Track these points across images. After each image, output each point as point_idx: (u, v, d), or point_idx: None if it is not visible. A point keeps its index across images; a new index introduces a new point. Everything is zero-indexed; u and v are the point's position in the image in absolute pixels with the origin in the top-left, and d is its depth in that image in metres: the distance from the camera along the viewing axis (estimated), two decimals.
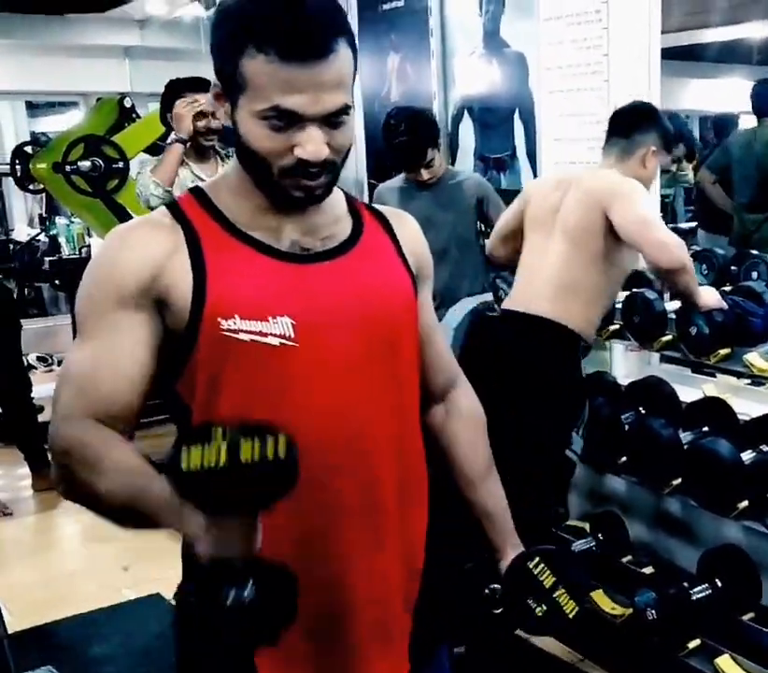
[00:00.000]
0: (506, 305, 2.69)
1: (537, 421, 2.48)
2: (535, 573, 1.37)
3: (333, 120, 1.13)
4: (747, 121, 5.26)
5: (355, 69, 1.16)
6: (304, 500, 1.17)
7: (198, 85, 3.38)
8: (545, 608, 1.36)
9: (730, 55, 7.71)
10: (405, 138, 3.34)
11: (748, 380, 2.88)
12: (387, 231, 1.33)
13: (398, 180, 3.57)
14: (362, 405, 1.23)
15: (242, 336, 1.16)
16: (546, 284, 2.54)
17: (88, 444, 1.13)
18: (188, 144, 3.36)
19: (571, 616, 1.37)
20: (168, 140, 3.41)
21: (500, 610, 1.43)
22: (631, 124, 2.59)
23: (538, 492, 2.52)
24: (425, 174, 3.40)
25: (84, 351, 1.19)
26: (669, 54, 3.00)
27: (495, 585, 1.43)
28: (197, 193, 1.27)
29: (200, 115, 3.38)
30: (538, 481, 2.50)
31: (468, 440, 1.46)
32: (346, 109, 1.14)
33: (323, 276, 1.23)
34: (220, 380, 1.18)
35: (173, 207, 1.25)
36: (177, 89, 3.44)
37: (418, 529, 1.36)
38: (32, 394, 4.46)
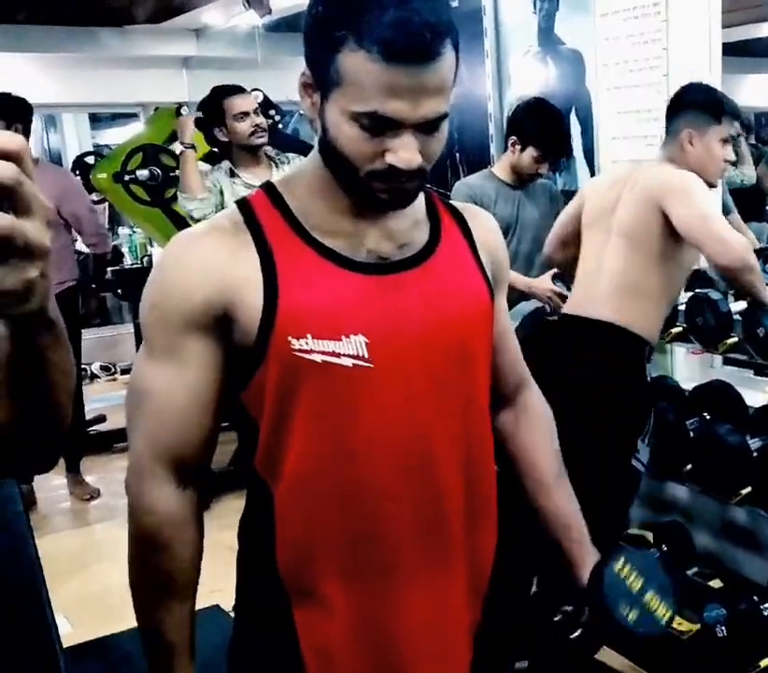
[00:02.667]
0: (567, 309, 2.61)
1: (602, 429, 2.40)
2: (622, 577, 1.26)
3: (429, 126, 1.06)
4: None
5: (457, 70, 1.07)
6: (363, 529, 1.16)
7: (235, 90, 3.42)
8: (636, 613, 1.24)
9: None
10: (565, 126, 3.20)
11: None
12: (464, 233, 1.27)
13: (481, 178, 3.32)
14: (434, 430, 1.18)
15: (314, 356, 1.10)
16: (606, 287, 2.46)
17: (161, 527, 1.17)
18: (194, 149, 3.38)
19: (664, 622, 1.25)
20: (177, 150, 3.44)
21: (579, 629, 1.34)
22: (668, 112, 2.50)
23: (604, 504, 2.44)
24: (543, 169, 3.21)
25: (155, 372, 1.15)
26: (724, 50, 2.87)
27: (568, 607, 1.35)
28: (270, 190, 1.19)
29: (242, 115, 3.37)
30: (604, 493, 2.42)
31: (539, 444, 1.40)
32: (444, 117, 1.07)
33: (399, 288, 1.16)
34: (290, 401, 1.13)
35: (243, 205, 1.18)
36: (213, 103, 3.47)
37: (487, 549, 1.30)
38: (84, 403, 4.49)
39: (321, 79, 1.06)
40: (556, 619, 1.39)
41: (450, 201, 1.31)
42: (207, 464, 1.21)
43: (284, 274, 1.11)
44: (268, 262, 1.11)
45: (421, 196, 1.22)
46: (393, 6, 0.98)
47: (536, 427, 1.41)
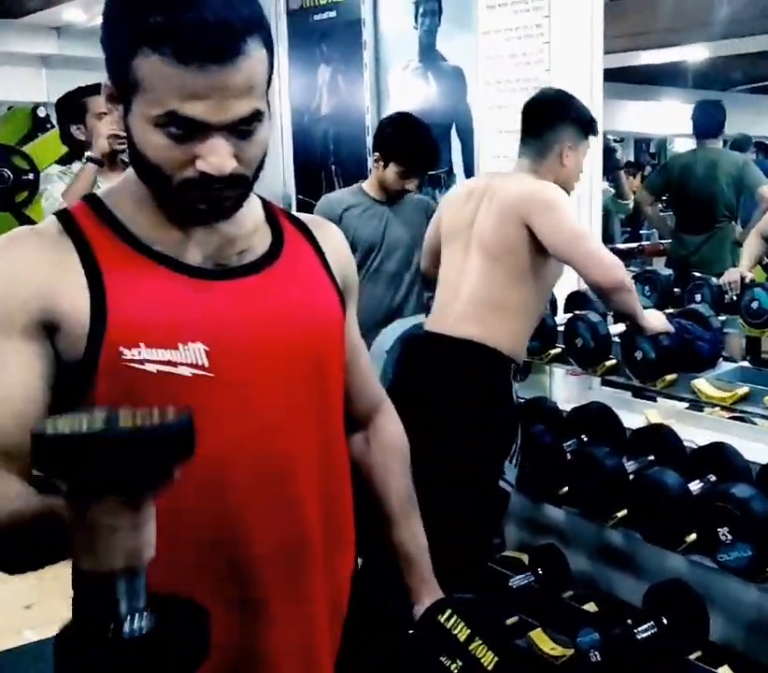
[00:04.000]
0: (429, 326, 2.52)
1: (467, 450, 2.34)
2: (448, 627, 1.24)
3: (241, 128, 0.99)
4: (681, 144, 5.33)
5: (271, 69, 1.01)
6: (218, 543, 1.07)
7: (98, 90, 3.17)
8: (460, 664, 1.22)
9: (665, 78, 7.83)
10: (430, 141, 3.09)
11: (688, 404, 2.82)
12: (310, 242, 1.20)
13: (349, 193, 3.27)
14: (285, 439, 1.10)
15: (148, 366, 1.01)
16: (466, 303, 2.39)
17: None
18: (103, 165, 3.03)
19: (490, 669, 1.22)
20: (83, 160, 3.05)
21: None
22: (540, 122, 2.42)
23: (471, 525, 2.38)
24: (410, 186, 3.15)
25: None
26: (605, 76, 2.92)
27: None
28: (93, 201, 1.10)
29: (104, 115, 3.13)
30: (471, 514, 2.36)
31: (389, 477, 1.33)
32: (257, 116, 1.00)
33: (241, 294, 1.09)
34: None
35: (63, 216, 1.08)
36: (75, 99, 3.22)
37: (343, 572, 1.23)
38: None
39: (121, 88, 1.00)
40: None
41: (293, 213, 1.25)
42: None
43: (112, 281, 1.03)
44: (93, 269, 1.03)
45: (258, 204, 1.18)
46: (185, 6, 0.93)
47: (388, 457, 1.34)
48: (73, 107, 3.22)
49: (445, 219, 2.54)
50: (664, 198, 5.11)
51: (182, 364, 1.02)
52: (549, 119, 2.41)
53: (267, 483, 1.09)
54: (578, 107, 2.44)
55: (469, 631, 1.23)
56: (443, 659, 1.22)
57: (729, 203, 4.51)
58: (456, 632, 1.24)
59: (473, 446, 2.36)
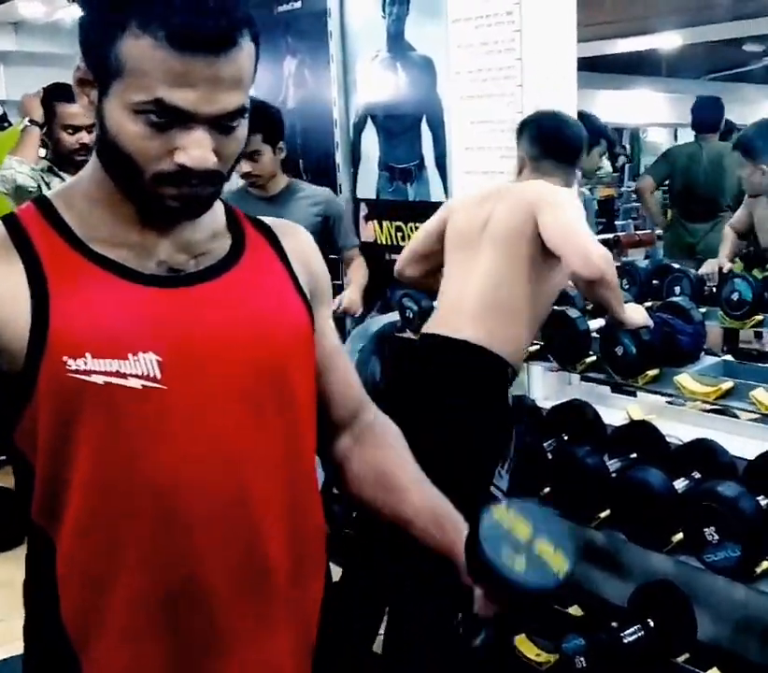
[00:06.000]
0: (428, 329, 2.48)
1: (459, 453, 2.28)
2: (504, 524, 1.04)
3: (225, 123, 0.95)
4: (654, 134, 5.36)
5: (256, 67, 0.96)
6: (168, 570, 1.00)
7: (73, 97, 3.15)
8: (523, 563, 1.00)
9: (638, 67, 7.83)
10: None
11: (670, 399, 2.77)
12: (274, 246, 1.14)
13: (237, 194, 3.21)
14: (246, 456, 1.03)
15: (95, 378, 0.94)
16: (473, 307, 2.36)
17: None
18: (43, 129, 3.23)
19: (560, 575, 1.01)
20: (21, 126, 3.27)
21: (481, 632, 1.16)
22: (574, 153, 2.49)
23: None
24: (246, 166, 3.07)
25: None
26: (579, 65, 2.87)
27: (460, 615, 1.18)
28: (41, 203, 1.03)
29: (71, 128, 3.15)
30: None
31: (388, 453, 1.24)
32: (242, 111, 0.95)
33: (197, 301, 1.02)
34: (70, 434, 0.96)
35: (9, 220, 1.01)
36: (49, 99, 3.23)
37: (311, 601, 1.15)
38: None
39: (99, 71, 0.95)
40: (457, 625, 1.21)
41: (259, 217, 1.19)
42: None
43: (56, 289, 0.97)
44: (37, 277, 0.98)
45: (220, 206, 1.12)
46: None
47: (385, 440, 1.26)
48: (44, 110, 3.21)
49: (456, 221, 2.51)
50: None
51: (132, 375, 0.96)
52: (574, 149, 2.49)
53: (223, 509, 1.01)
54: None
55: (531, 528, 1.03)
56: (505, 556, 1.01)
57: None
58: (514, 529, 1.02)
59: (466, 448, 2.31)
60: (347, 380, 1.26)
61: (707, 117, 4.93)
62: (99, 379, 0.95)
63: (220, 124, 0.95)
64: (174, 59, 0.89)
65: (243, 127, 0.99)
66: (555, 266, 2.32)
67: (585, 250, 2.17)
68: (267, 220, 1.19)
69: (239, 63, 0.93)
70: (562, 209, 2.27)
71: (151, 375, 0.97)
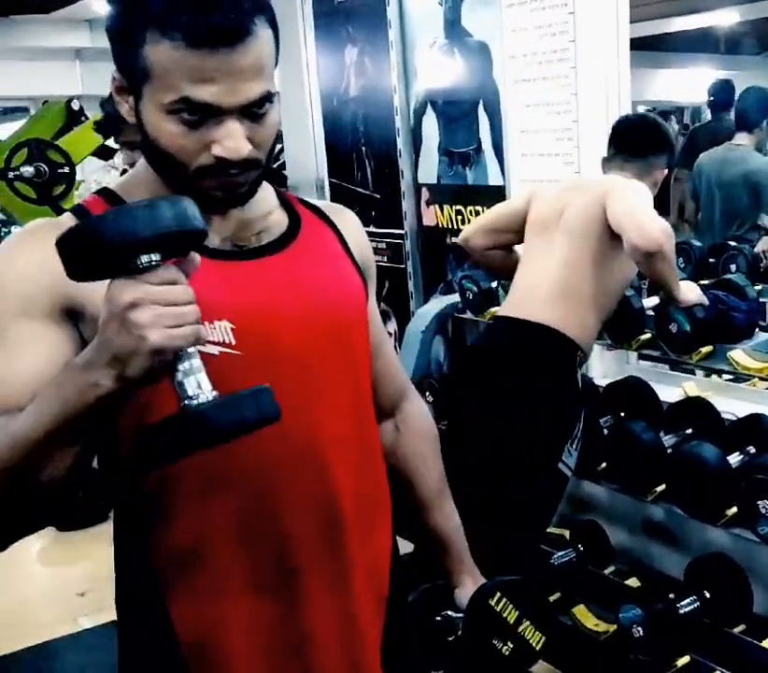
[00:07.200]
0: (504, 312, 2.54)
1: (529, 434, 2.34)
2: (498, 610, 1.30)
3: (254, 111, 1.00)
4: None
5: (277, 50, 1.01)
6: (255, 515, 1.08)
7: None
8: (511, 645, 1.30)
9: (695, 44, 7.67)
10: None
11: (730, 377, 2.77)
12: (329, 225, 1.20)
13: None
14: (317, 409, 1.11)
15: None
16: (548, 292, 2.41)
17: None
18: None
19: (538, 648, 1.32)
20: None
21: (460, 652, 1.35)
22: (645, 145, 2.54)
23: (529, 508, 2.40)
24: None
25: None
26: (634, 45, 2.88)
27: (448, 612, 1.36)
28: (106, 194, 1.12)
29: None
30: (529, 498, 2.37)
31: (421, 458, 1.34)
32: (269, 97, 1.00)
33: (262, 273, 1.09)
34: (152, 402, 1.02)
35: (77, 210, 1.09)
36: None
37: (381, 547, 1.23)
38: None
39: (131, 78, 1.01)
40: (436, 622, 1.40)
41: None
42: None
43: None
44: None
45: (270, 189, 1.18)
46: None
47: (419, 443, 1.35)
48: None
49: (537, 208, 2.56)
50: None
51: (210, 342, 1.02)
52: (657, 145, 2.55)
53: (299, 457, 1.09)
54: (667, 135, 2.64)
55: (517, 613, 1.30)
56: (495, 642, 1.29)
57: None
58: (505, 615, 1.30)
59: (537, 427, 2.36)
60: (392, 365, 1.33)
61: (722, 97, 5.05)
62: None
63: (249, 112, 0.99)
64: (192, 57, 0.94)
65: (274, 111, 1.02)
66: (625, 258, 2.35)
67: (644, 222, 2.20)
68: (316, 201, 1.25)
69: (257, 51, 0.97)
70: (629, 193, 2.32)
71: (227, 341, 1.04)
